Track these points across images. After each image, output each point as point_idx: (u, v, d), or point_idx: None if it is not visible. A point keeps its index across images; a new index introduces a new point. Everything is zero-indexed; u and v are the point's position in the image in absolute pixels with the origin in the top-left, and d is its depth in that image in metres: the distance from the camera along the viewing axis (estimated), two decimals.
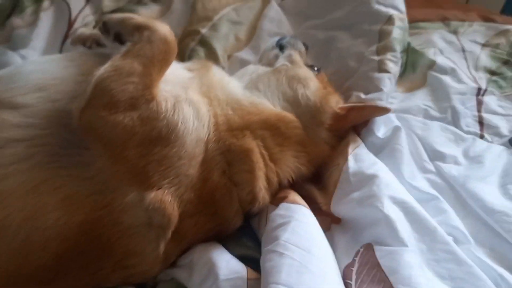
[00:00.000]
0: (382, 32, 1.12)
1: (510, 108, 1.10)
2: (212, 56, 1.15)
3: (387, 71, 1.04)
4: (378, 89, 1.01)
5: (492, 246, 0.81)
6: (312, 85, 0.91)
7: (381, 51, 1.08)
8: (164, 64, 0.73)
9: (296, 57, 0.98)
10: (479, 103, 1.10)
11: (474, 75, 1.17)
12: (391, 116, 1.05)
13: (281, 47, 1.01)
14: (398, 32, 1.12)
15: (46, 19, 1.26)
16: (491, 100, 1.11)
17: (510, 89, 1.15)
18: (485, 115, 1.08)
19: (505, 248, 0.79)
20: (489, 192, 0.88)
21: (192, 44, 1.16)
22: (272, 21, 1.25)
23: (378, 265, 0.71)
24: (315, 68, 1.00)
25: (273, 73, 0.92)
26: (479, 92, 1.12)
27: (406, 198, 0.82)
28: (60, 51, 1.21)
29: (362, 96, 1.01)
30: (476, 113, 1.08)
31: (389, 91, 1.03)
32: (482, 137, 1.04)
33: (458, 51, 1.23)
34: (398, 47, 1.10)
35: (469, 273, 0.73)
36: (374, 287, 0.68)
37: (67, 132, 0.67)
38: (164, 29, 0.75)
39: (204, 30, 1.19)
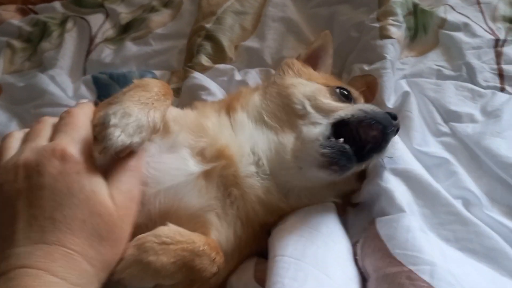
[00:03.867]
0: None
1: None
2: (219, 49, 1.18)
3: (389, 37, 1.01)
4: (382, 57, 0.98)
5: (509, 203, 0.77)
6: None
7: (381, 16, 1.04)
8: None
9: None
10: (498, 55, 1.04)
11: (492, 27, 1.10)
12: (402, 82, 1.02)
13: None
14: None
15: (70, 39, 1.37)
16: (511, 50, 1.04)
17: None
18: (505, 67, 1.01)
19: None
20: (506, 146, 0.84)
21: (198, 40, 1.20)
22: (276, 6, 1.24)
23: (377, 235, 0.71)
24: None
25: None
26: (497, 44, 1.06)
27: (409, 166, 0.81)
28: (84, 67, 1.31)
29: (366, 68, 0.99)
30: (495, 66, 1.02)
31: (394, 57, 0.99)
32: (503, 90, 0.98)
33: (472, 5, 1.16)
34: (400, 10, 1.06)
35: (475, 233, 0.71)
36: (374, 257, 0.69)
37: None
38: None
39: (209, 25, 1.22)
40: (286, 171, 0.75)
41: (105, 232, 0.54)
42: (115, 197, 0.57)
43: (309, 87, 0.84)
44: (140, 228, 0.62)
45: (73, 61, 1.33)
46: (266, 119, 0.79)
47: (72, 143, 0.58)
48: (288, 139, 0.76)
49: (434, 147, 0.89)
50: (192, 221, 0.67)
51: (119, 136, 0.60)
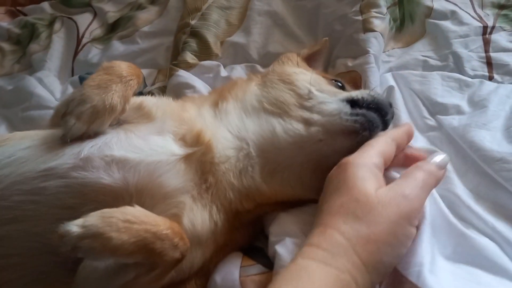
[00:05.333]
0: None
1: None
2: (204, 45, 1.17)
3: (372, 30, 0.99)
4: (365, 52, 0.97)
5: (494, 198, 0.76)
6: None
7: (364, 9, 1.03)
8: None
9: None
10: (486, 43, 1.02)
11: (480, 14, 1.08)
12: (387, 76, 1.01)
13: None
14: None
15: (58, 40, 1.37)
16: (500, 37, 1.03)
17: None
18: (493, 55, 1.00)
19: (505, 199, 0.74)
20: (490, 139, 0.82)
21: (183, 37, 1.19)
22: None
23: None
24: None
25: None
26: (486, 31, 1.04)
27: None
28: (72, 68, 1.31)
29: (349, 63, 0.98)
30: (483, 54, 1.00)
31: (377, 51, 0.98)
32: (491, 78, 0.97)
33: None
34: (383, 2, 1.04)
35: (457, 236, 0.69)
36: None
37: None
38: None
39: (193, 22, 1.21)
40: (281, 151, 0.75)
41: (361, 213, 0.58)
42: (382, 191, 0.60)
43: (310, 75, 0.85)
44: (116, 193, 0.64)
45: (62, 62, 1.33)
46: (267, 106, 0.79)
47: None
48: (296, 119, 0.76)
49: (421, 144, 0.88)
50: (166, 200, 0.68)
51: (74, 124, 0.64)
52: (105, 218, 0.57)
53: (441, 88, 0.96)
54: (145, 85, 1.19)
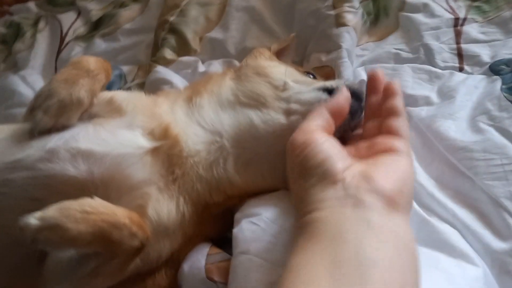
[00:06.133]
0: None
1: (493, 32, 1.01)
2: (182, 41, 1.19)
3: (345, 24, 1.00)
4: (337, 46, 0.98)
5: (456, 187, 0.77)
6: None
7: (337, 4, 1.04)
8: None
9: None
10: (458, 34, 1.03)
11: (452, 5, 1.09)
12: (360, 70, 1.02)
13: None
14: None
15: (41, 39, 1.39)
16: (471, 29, 1.03)
17: (494, 12, 1.05)
18: (464, 46, 1.00)
19: (467, 187, 0.76)
20: (455, 128, 0.83)
21: (162, 34, 1.21)
22: None
23: None
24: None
25: None
26: (457, 23, 1.05)
27: None
28: (55, 66, 1.33)
29: (323, 58, 0.99)
30: (454, 46, 1.01)
31: (350, 46, 0.99)
32: (461, 69, 0.98)
33: None
34: None
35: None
36: None
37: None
38: None
39: (172, 18, 1.23)
40: (259, 142, 0.76)
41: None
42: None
43: (284, 67, 0.87)
44: (82, 185, 0.66)
45: (46, 61, 1.35)
46: (243, 99, 0.80)
47: None
48: (274, 109, 0.77)
49: None
50: (132, 192, 0.69)
51: (42, 118, 0.67)
52: (63, 210, 0.59)
53: (411, 80, 0.97)
54: (126, 82, 1.21)
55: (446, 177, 0.79)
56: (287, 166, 0.66)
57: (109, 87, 1.17)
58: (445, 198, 0.76)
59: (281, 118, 0.75)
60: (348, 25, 1.01)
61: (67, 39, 1.38)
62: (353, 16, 1.03)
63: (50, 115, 0.68)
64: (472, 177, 0.76)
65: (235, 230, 0.72)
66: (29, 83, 1.24)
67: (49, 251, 0.63)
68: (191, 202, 0.75)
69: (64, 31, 1.40)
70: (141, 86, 1.14)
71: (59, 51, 1.35)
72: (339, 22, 1.01)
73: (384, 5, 1.12)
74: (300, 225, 0.55)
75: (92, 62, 0.76)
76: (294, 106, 0.76)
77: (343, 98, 0.69)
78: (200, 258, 0.74)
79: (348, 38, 1.00)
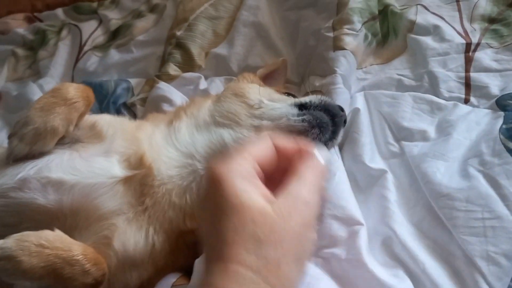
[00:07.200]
0: (339, 3, 1.02)
1: (507, 60, 0.93)
2: (188, 57, 1.19)
3: (342, 48, 0.96)
4: (332, 71, 0.94)
5: (435, 237, 0.73)
6: None
7: (337, 25, 0.99)
8: None
9: None
10: (468, 61, 0.96)
11: (467, 28, 1.01)
12: (358, 96, 0.98)
13: None
14: (358, 0, 1.01)
15: (63, 47, 1.44)
16: (484, 55, 0.95)
17: None
18: (473, 75, 0.93)
19: (445, 239, 0.71)
20: (444, 171, 0.78)
21: (169, 49, 1.22)
22: (249, 9, 1.21)
23: None
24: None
25: None
26: (469, 48, 0.97)
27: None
28: (72, 75, 1.38)
29: (316, 83, 0.96)
30: (462, 74, 0.94)
31: (346, 70, 0.95)
32: (467, 101, 0.91)
33: (451, 3, 1.06)
34: (357, 18, 0.99)
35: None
36: None
37: None
38: None
39: (179, 33, 1.23)
40: None
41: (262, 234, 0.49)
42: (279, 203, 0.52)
43: (263, 89, 0.88)
44: (51, 214, 0.69)
45: (64, 69, 1.40)
46: (218, 119, 0.81)
47: None
48: (247, 127, 0.78)
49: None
50: (100, 222, 0.71)
51: (17, 145, 0.71)
52: (20, 241, 0.62)
53: (410, 111, 0.91)
54: (133, 94, 1.24)
55: (426, 224, 0.75)
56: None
57: (116, 99, 1.20)
58: (418, 249, 0.71)
59: (251, 136, 0.75)
60: (346, 49, 0.96)
61: (85, 48, 1.42)
62: (353, 39, 0.98)
63: (25, 142, 0.72)
64: (451, 229, 0.71)
65: (197, 261, 0.72)
66: (45, 92, 1.29)
67: (7, 281, 0.66)
68: (163, 231, 0.75)
69: (84, 40, 1.44)
70: (144, 101, 1.15)
71: (77, 60, 1.40)
72: (337, 45, 0.97)
73: (394, 25, 1.06)
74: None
75: (71, 90, 0.78)
76: (265, 122, 0.77)
77: (265, 145, 0.59)
78: None
79: (345, 63, 0.95)
